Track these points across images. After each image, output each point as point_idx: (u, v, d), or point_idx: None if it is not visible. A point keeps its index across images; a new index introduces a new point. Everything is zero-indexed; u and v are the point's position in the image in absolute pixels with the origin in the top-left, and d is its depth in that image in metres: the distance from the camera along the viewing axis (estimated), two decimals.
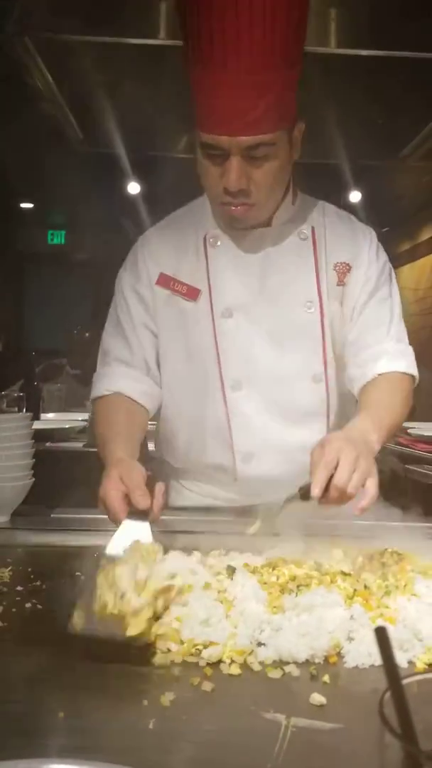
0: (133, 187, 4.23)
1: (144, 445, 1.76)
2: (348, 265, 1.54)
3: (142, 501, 1.16)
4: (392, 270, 1.62)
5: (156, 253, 1.55)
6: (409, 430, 2.80)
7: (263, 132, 1.33)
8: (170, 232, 1.59)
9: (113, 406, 1.51)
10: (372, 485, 1.20)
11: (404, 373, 1.52)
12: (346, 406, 1.60)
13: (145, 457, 1.58)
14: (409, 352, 1.56)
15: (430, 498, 2.07)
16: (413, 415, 1.82)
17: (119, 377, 1.53)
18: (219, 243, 1.53)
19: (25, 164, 5.21)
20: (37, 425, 2.93)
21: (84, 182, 5.21)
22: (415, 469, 2.39)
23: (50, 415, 3.39)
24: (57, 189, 6.09)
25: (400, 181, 5.34)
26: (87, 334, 4.40)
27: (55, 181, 5.58)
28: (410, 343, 1.58)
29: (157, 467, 1.70)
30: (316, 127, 2.79)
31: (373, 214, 5.14)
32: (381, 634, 0.48)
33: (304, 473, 1.23)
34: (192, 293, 1.51)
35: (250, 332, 1.51)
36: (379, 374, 1.49)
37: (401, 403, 1.48)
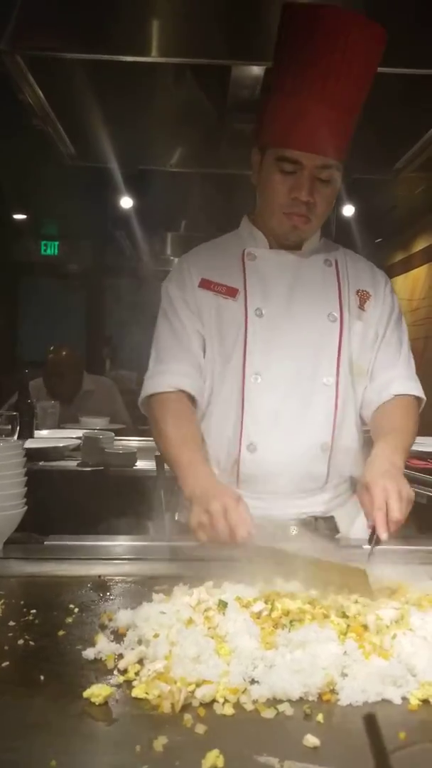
0: (126, 202, 4.23)
1: None
2: (368, 293, 1.77)
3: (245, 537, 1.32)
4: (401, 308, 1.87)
5: (197, 263, 1.76)
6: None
7: (335, 156, 1.61)
8: (212, 248, 1.82)
9: (176, 405, 1.65)
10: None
11: (415, 398, 1.75)
12: (349, 418, 1.75)
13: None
14: (416, 378, 1.79)
15: (424, 519, 2.06)
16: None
17: (179, 375, 1.67)
18: (256, 258, 1.74)
19: (17, 176, 5.22)
20: (30, 444, 2.96)
21: (76, 194, 5.22)
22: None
23: (44, 432, 3.38)
24: (50, 200, 6.10)
25: (393, 192, 5.36)
26: (64, 353, 4.19)
27: (48, 193, 5.58)
28: None
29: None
30: None
31: (367, 225, 5.17)
32: (370, 721, 0.48)
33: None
34: (231, 292, 1.70)
35: (276, 331, 1.69)
36: (394, 395, 1.72)
37: (413, 425, 1.70)
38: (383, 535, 1.36)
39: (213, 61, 2.34)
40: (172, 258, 6.38)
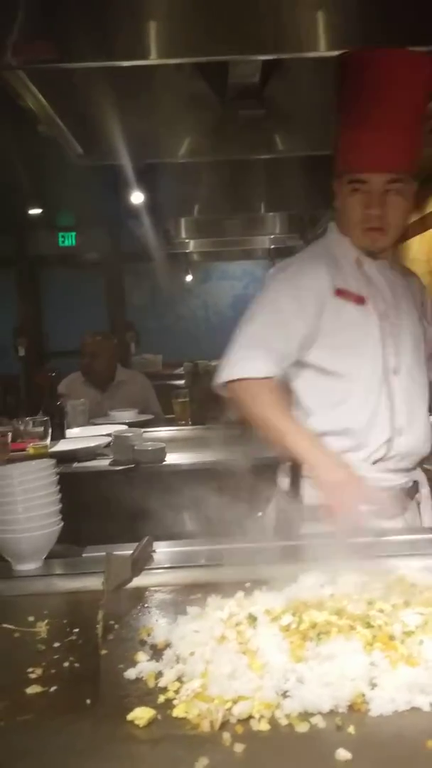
0: (137, 197, 4.24)
1: None
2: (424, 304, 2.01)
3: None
4: None
5: (328, 267, 1.85)
6: None
7: (398, 169, 1.79)
8: (325, 255, 1.90)
9: (272, 393, 1.75)
10: None
11: None
12: None
13: None
14: None
15: None
16: None
17: (272, 363, 1.76)
18: (363, 264, 1.88)
19: (31, 172, 5.25)
20: (62, 445, 3.04)
21: (90, 185, 5.23)
22: None
23: (75, 431, 3.46)
24: (64, 194, 6.12)
25: None
26: (98, 337, 4.37)
27: (62, 187, 5.61)
28: None
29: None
30: (317, 118, 2.79)
31: None
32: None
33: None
34: (360, 299, 1.84)
35: (400, 328, 1.87)
36: None
37: None
38: None
39: (212, 58, 2.32)
40: (186, 240, 6.39)
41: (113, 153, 3.27)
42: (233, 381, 1.76)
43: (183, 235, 6.16)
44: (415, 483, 1.91)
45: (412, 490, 1.90)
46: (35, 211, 6.82)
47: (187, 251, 7.08)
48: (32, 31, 2.24)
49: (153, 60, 2.31)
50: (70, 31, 2.28)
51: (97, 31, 2.30)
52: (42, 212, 6.91)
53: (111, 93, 2.89)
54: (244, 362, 1.76)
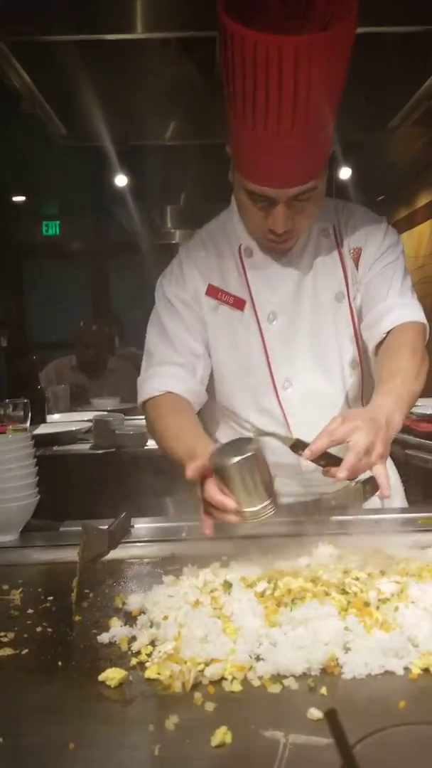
0: (121, 180, 4.21)
1: None
2: (359, 248, 1.64)
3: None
4: (400, 243, 1.69)
5: (201, 266, 1.66)
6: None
7: (309, 181, 1.45)
8: (209, 245, 1.69)
9: (170, 404, 1.57)
10: (382, 472, 1.22)
11: (413, 323, 1.54)
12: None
13: None
14: (416, 303, 1.59)
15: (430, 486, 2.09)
16: None
17: (168, 377, 1.60)
18: (253, 253, 1.64)
19: (14, 158, 5.19)
20: (42, 429, 3.01)
21: (74, 172, 5.19)
22: (417, 455, 2.39)
23: (56, 416, 3.43)
24: (48, 180, 6.06)
25: (392, 149, 5.27)
26: (94, 327, 4.50)
27: (46, 173, 5.55)
28: None
29: None
30: None
31: (367, 184, 5.10)
32: (331, 717, 0.51)
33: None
34: (239, 303, 1.63)
35: (292, 332, 1.63)
36: (388, 331, 1.53)
37: (418, 361, 1.46)
38: (307, 453, 1.20)
39: (197, 34, 2.30)
40: (172, 231, 6.35)
41: (97, 133, 3.24)
42: (144, 403, 1.63)
43: (169, 224, 6.14)
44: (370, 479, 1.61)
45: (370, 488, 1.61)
46: (19, 199, 6.76)
47: (174, 242, 7.05)
48: (13, 3, 2.21)
49: (138, 34, 2.29)
50: (53, 4, 2.26)
51: (81, 3, 2.28)
52: (25, 200, 6.84)
53: (96, 71, 2.86)
54: (143, 384, 1.63)
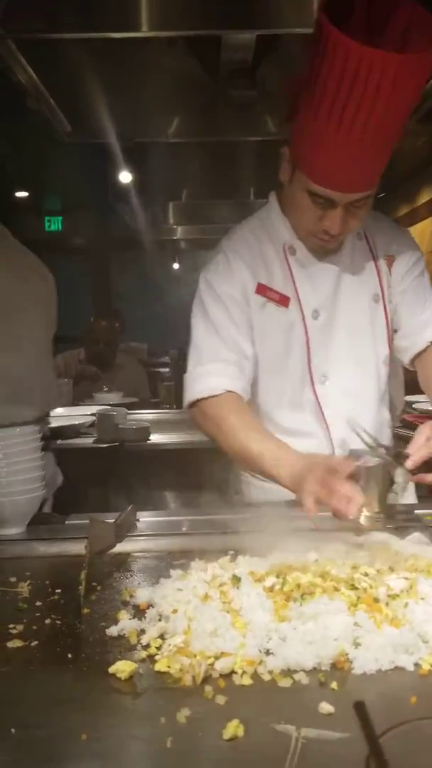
0: (126, 175, 4.21)
1: None
2: (392, 256, 1.76)
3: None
4: (422, 255, 1.82)
5: (249, 263, 1.69)
6: (414, 405, 2.81)
7: (371, 188, 1.55)
8: (253, 242, 1.74)
9: (230, 404, 1.60)
10: None
11: None
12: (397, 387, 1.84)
13: None
14: None
15: None
16: (416, 388, 1.90)
17: (224, 377, 1.62)
18: (296, 252, 1.70)
19: (17, 153, 5.18)
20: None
21: (77, 168, 5.18)
22: None
23: (59, 410, 3.42)
24: (51, 176, 6.05)
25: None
26: (104, 322, 4.55)
27: (49, 169, 5.54)
28: None
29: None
30: None
31: None
32: (360, 708, 0.51)
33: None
34: (284, 300, 1.68)
35: (332, 328, 1.70)
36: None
37: None
38: (409, 463, 1.38)
39: (203, 32, 2.30)
40: (174, 227, 6.35)
41: (102, 130, 3.23)
42: (192, 404, 1.65)
43: (171, 221, 6.14)
44: None
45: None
46: (21, 194, 6.74)
47: (175, 238, 7.05)
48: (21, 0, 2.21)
49: (143, 32, 2.28)
50: (60, 1, 2.25)
51: (88, 1, 2.27)
52: (28, 195, 6.82)
53: (101, 68, 2.86)
54: (195, 382, 1.64)
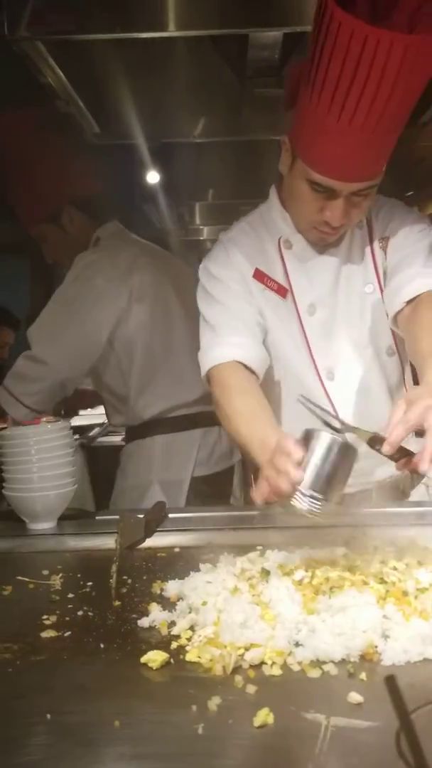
0: (152, 177, 4.24)
1: None
2: (387, 237, 1.65)
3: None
4: (431, 227, 1.66)
5: (246, 251, 1.65)
6: None
7: (374, 177, 1.47)
8: (251, 234, 1.69)
9: (237, 383, 1.51)
10: None
11: None
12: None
13: None
14: None
15: None
16: None
17: (233, 347, 1.55)
18: (293, 246, 1.65)
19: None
20: (76, 421, 3.05)
21: (104, 168, 5.22)
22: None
23: (88, 409, 3.46)
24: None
25: (419, 144, 5.22)
26: None
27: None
28: None
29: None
30: None
31: (395, 180, 5.05)
32: (391, 683, 0.52)
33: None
34: (282, 291, 1.63)
35: (332, 323, 1.64)
36: (411, 300, 1.50)
37: None
38: (386, 448, 1.12)
39: (231, 31, 2.31)
40: (201, 227, 6.36)
41: (129, 131, 3.25)
42: (209, 373, 1.57)
43: (197, 221, 6.15)
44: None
45: (417, 477, 1.70)
46: None
47: (201, 238, 7.06)
48: (50, 1, 2.24)
49: (170, 32, 2.30)
50: (87, 2, 2.28)
51: (116, 2, 2.30)
52: None
53: (128, 69, 2.89)
54: (208, 351, 1.58)
